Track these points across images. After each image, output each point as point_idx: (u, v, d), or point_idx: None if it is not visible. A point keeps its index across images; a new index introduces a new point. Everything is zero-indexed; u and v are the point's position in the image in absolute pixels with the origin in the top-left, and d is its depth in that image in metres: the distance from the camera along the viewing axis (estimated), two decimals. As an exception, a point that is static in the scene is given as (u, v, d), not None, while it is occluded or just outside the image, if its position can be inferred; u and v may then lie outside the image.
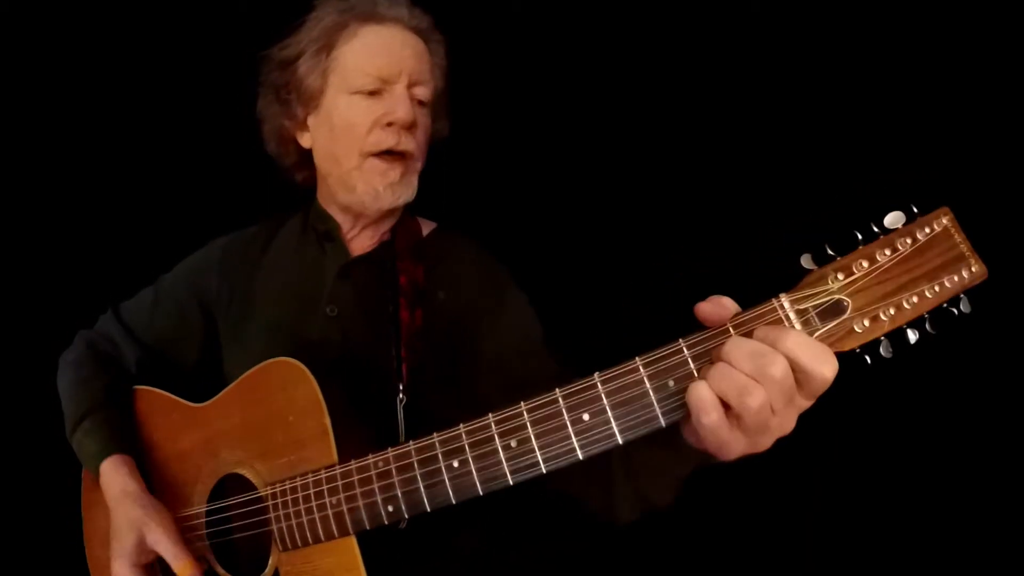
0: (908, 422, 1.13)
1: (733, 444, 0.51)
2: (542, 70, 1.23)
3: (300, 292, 0.91)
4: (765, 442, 0.53)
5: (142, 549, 0.75)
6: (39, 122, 1.25)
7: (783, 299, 0.53)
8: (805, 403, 0.52)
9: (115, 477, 0.80)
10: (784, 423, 0.52)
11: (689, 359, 0.53)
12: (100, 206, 1.28)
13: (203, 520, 0.80)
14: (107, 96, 1.26)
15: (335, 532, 0.66)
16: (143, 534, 0.75)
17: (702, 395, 0.50)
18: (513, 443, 0.57)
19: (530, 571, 0.87)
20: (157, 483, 0.84)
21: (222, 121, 1.14)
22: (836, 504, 1.17)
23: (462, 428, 0.60)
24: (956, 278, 0.55)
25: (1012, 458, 1.09)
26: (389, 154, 0.86)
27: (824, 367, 0.49)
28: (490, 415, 0.58)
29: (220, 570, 0.77)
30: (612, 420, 0.54)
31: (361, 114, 0.85)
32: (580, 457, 0.55)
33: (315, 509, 0.67)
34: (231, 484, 0.78)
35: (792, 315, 0.53)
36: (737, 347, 0.50)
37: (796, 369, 0.49)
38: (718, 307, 0.54)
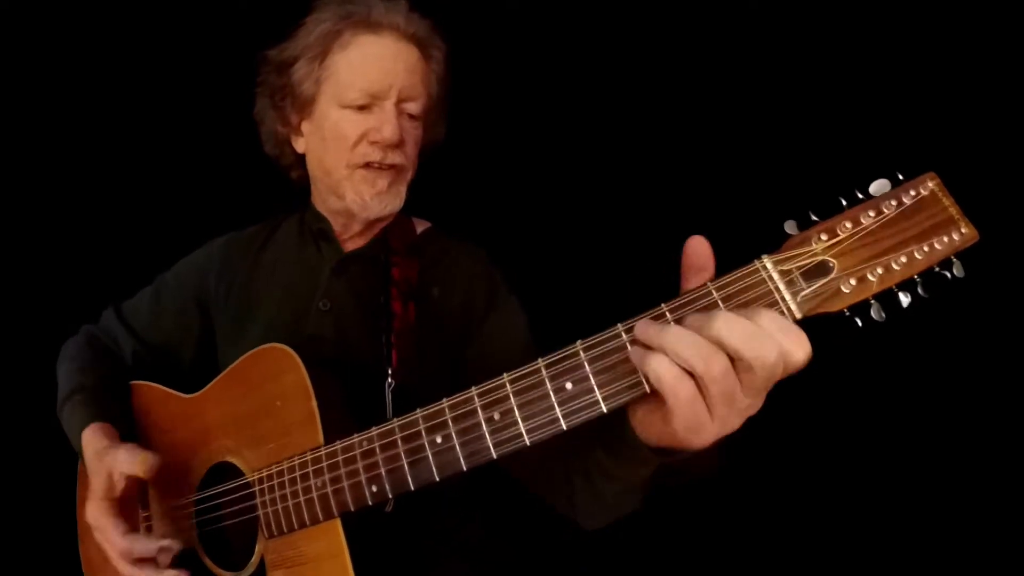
0: (904, 396, 1.09)
1: (706, 422, 0.48)
2: (534, 74, 1.25)
3: (296, 289, 0.92)
4: (735, 423, 0.50)
5: (111, 484, 0.74)
6: (41, 123, 1.28)
7: (766, 260, 0.53)
8: (772, 384, 0.50)
9: (93, 440, 0.79)
10: (755, 404, 0.50)
11: (672, 323, 0.52)
12: (102, 206, 1.30)
13: (192, 509, 0.79)
14: (109, 97, 1.28)
15: (320, 516, 0.65)
16: (109, 468, 0.74)
17: (670, 369, 0.47)
18: (496, 415, 0.56)
19: (518, 560, 0.85)
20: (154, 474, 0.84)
21: (222, 122, 1.16)
22: (833, 492, 1.12)
23: (445, 403, 0.59)
24: (946, 239, 0.54)
25: (1013, 440, 1.05)
26: (378, 166, 0.87)
27: (797, 351, 0.46)
28: (473, 388, 0.58)
29: (206, 560, 0.76)
30: (596, 388, 0.53)
31: (350, 128, 0.85)
32: (564, 427, 0.53)
33: (300, 492, 0.66)
34: (222, 472, 0.78)
35: (775, 275, 0.52)
36: (729, 326, 0.46)
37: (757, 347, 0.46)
38: (708, 252, 0.53)
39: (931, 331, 0.85)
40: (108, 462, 0.75)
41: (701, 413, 0.48)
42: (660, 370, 0.47)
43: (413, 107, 0.89)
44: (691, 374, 0.47)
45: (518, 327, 0.87)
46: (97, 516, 0.73)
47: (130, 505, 0.76)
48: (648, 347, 0.49)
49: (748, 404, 0.49)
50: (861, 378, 1.05)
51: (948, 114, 1.00)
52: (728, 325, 0.46)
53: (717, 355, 0.46)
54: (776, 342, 0.46)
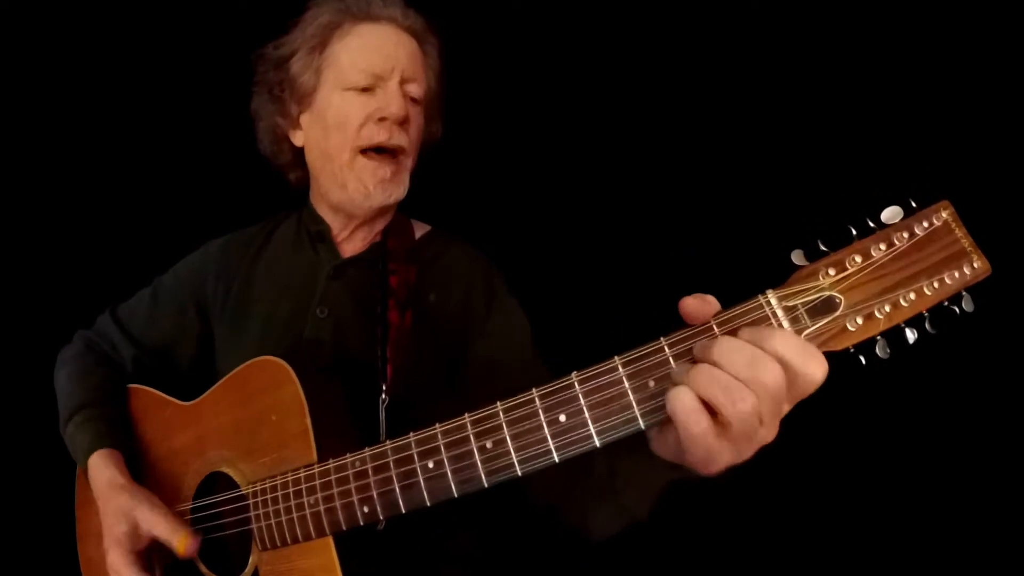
0: (908, 428, 1.08)
1: (720, 454, 0.48)
2: (534, 73, 1.23)
3: (292, 293, 0.91)
4: (748, 451, 0.50)
5: (136, 535, 0.75)
6: (36, 124, 1.26)
7: (770, 295, 0.51)
8: (788, 407, 0.49)
9: (102, 470, 0.80)
10: (770, 431, 0.49)
11: (670, 358, 0.51)
12: (98, 207, 1.29)
13: (188, 518, 0.79)
14: (105, 97, 1.27)
15: (312, 532, 0.65)
16: (135, 520, 0.75)
17: (687, 403, 0.46)
18: (488, 444, 0.55)
19: (512, 569, 0.85)
20: (148, 480, 0.84)
21: (219, 123, 1.15)
22: (831, 515, 1.12)
23: (438, 428, 0.58)
24: (957, 274, 0.52)
25: (1017, 466, 1.04)
26: (380, 152, 0.86)
27: (815, 369, 0.46)
28: (466, 415, 0.57)
29: (203, 568, 0.77)
30: (589, 422, 0.52)
31: (354, 109, 0.85)
32: (556, 460, 0.53)
33: (293, 509, 0.66)
34: (218, 482, 0.78)
35: (780, 312, 0.50)
36: (728, 350, 0.46)
37: (786, 371, 0.46)
38: (703, 304, 0.51)
39: (937, 365, 0.83)
40: (134, 513, 0.75)
41: (714, 446, 0.48)
42: (675, 402, 0.47)
43: (415, 89, 0.88)
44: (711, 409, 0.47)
45: (520, 328, 0.87)
46: (121, 568, 0.74)
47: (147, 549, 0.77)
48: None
49: (763, 434, 0.49)
50: (861, 400, 1.04)
51: (961, 137, 0.97)
52: (763, 364, 0.45)
53: (746, 395, 0.45)
54: (774, 364, 0.45)
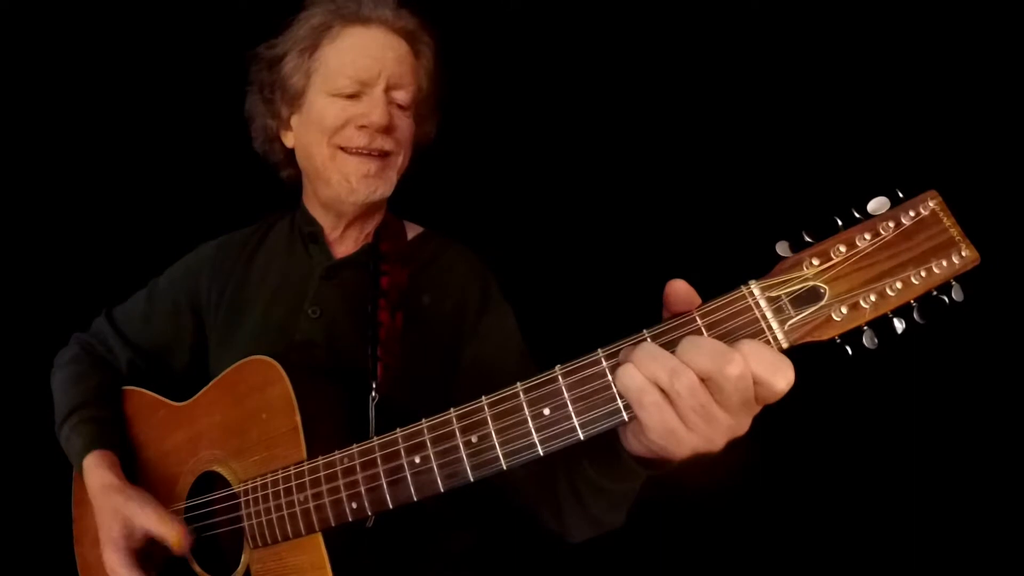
0: (897, 418, 1.07)
1: (682, 433, 0.49)
2: (525, 74, 1.22)
3: (285, 294, 0.91)
4: (718, 440, 0.50)
5: (130, 534, 0.75)
6: (33, 123, 1.27)
7: (753, 286, 0.51)
8: (757, 408, 0.50)
9: (96, 471, 0.81)
10: (738, 424, 0.50)
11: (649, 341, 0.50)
12: (94, 209, 1.30)
13: (182, 518, 0.79)
14: (103, 97, 1.27)
15: (302, 529, 0.65)
16: (128, 519, 0.75)
17: (634, 377, 0.48)
18: (474, 439, 0.55)
19: (503, 567, 0.84)
20: (143, 482, 0.85)
21: (216, 124, 1.15)
22: (820, 506, 1.11)
23: (424, 424, 0.58)
24: (945, 263, 0.51)
25: (1010, 457, 1.02)
26: (367, 152, 0.86)
27: (777, 378, 0.47)
28: (452, 410, 0.57)
29: (196, 567, 0.77)
30: (573, 414, 0.52)
31: (335, 114, 0.85)
32: (541, 453, 0.53)
33: (284, 506, 0.66)
34: (211, 481, 0.78)
35: (763, 302, 0.50)
36: (695, 345, 0.47)
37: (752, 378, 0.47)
38: (691, 292, 0.51)
39: (925, 357, 0.83)
40: (126, 512, 0.76)
41: (671, 422, 0.48)
42: (625, 379, 0.49)
43: (401, 96, 0.88)
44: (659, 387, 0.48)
45: (512, 329, 0.87)
46: (117, 567, 0.75)
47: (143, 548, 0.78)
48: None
49: (730, 424, 0.49)
50: (847, 396, 1.03)
51: (950, 127, 0.96)
52: (695, 343, 0.47)
53: (682, 371, 0.47)
54: (741, 361, 0.46)
